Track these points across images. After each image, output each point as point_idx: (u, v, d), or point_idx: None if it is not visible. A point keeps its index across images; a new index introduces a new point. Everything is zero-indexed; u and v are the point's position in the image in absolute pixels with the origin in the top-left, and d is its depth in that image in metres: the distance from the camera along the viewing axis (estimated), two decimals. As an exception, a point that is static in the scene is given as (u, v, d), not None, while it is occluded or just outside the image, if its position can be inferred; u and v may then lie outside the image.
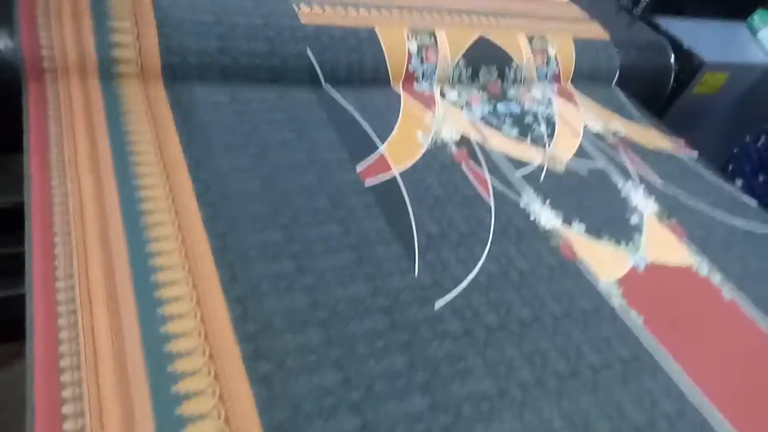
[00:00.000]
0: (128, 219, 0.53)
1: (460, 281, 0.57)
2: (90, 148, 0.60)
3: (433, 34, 0.90)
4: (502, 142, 0.83)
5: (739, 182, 1.24)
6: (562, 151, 0.86)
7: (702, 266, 0.72)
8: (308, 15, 0.83)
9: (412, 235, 0.61)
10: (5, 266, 0.64)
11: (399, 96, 0.85)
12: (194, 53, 0.73)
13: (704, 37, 1.21)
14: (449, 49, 0.91)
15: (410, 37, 0.88)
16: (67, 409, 0.40)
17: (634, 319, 0.60)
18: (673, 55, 1.16)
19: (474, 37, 0.94)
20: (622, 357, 0.55)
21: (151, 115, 0.66)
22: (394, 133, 0.77)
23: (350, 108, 0.79)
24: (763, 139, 1.25)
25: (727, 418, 0.54)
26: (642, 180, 0.84)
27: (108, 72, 0.68)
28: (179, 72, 0.72)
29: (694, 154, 0.96)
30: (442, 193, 0.69)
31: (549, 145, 0.86)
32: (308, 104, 0.77)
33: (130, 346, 0.44)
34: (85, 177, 0.56)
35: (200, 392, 0.43)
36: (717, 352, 0.60)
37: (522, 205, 0.72)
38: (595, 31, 1.11)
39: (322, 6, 0.86)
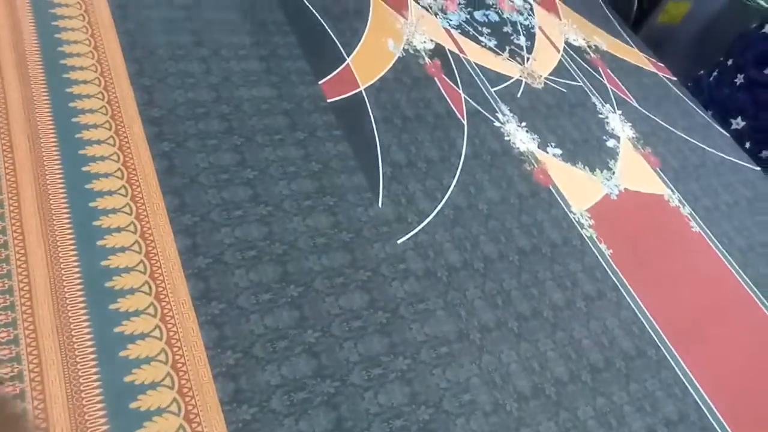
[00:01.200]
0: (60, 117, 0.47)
1: (426, 215, 0.54)
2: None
3: None
4: (479, 54, 0.77)
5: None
6: (541, 66, 0.80)
7: (673, 196, 0.70)
8: None
9: (377, 163, 0.56)
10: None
11: (368, -2, 0.76)
12: None
13: None
14: None
15: None
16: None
17: (603, 253, 0.59)
18: None
19: None
20: (586, 294, 0.54)
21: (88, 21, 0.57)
22: (362, 40, 0.69)
23: (313, 8, 0.70)
24: (715, 73, 1.21)
25: (681, 356, 0.55)
26: (619, 103, 0.80)
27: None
28: None
29: (672, 77, 0.92)
30: (412, 113, 0.63)
31: (528, 59, 0.80)
32: (267, 3, 0.68)
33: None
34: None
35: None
36: (680, 288, 0.60)
37: (497, 124, 0.68)
38: None
39: None
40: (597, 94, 0.80)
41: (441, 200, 0.56)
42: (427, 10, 0.79)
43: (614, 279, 0.57)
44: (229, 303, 0.43)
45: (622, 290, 0.56)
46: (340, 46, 0.68)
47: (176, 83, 0.55)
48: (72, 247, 0.42)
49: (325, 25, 0.69)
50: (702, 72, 1.27)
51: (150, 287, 0.42)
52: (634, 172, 0.72)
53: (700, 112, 0.88)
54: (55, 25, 0.53)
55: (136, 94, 0.52)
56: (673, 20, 1.19)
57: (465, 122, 0.66)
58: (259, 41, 0.63)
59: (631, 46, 0.94)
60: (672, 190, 0.71)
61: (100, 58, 0.53)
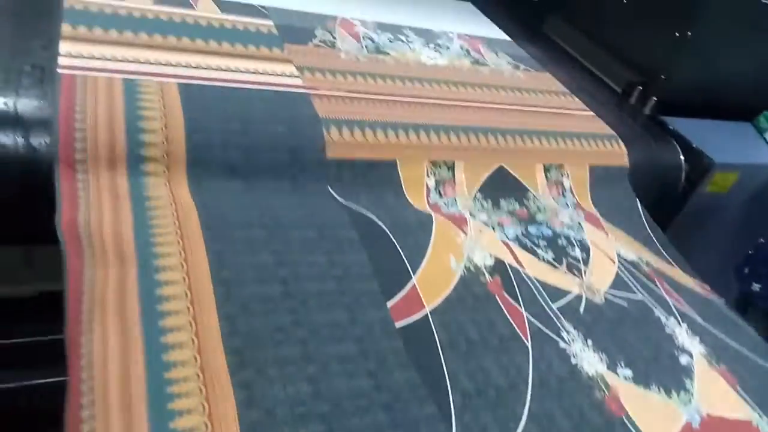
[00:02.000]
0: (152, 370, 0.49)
1: (501, 453, 0.52)
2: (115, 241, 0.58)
3: (451, 167, 0.89)
4: (538, 268, 0.79)
5: (756, 286, 1.19)
6: (600, 279, 0.82)
7: (761, 422, 0.66)
8: (336, 143, 0.81)
9: (447, 392, 0.56)
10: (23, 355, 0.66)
11: (430, 216, 0.82)
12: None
13: (712, 137, 1.22)
14: (466, 183, 0.89)
15: (429, 173, 0.87)
16: None
17: (693, 502, 0.54)
18: (682, 155, 1.16)
19: (493, 167, 0.93)
20: None
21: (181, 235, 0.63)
22: (426, 259, 0.73)
23: (383, 225, 0.76)
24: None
25: None
26: (683, 317, 0.80)
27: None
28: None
29: (721, 300, 0.90)
30: (477, 336, 0.64)
31: (585, 272, 0.82)
32: (340, 222, 0.74)
33: None
34: (111, 323, 0.52)
35: None
36: None
37: (562, 345, 0.68)
38: (616, 154, 1.08)
39: (352, 130, 0.84)
40: (659, 308, 0.80)
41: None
42: (485, 224, 0.84)
43: None
44: None
45: None
46: (407, 262, 0.71)
47: (258, 309, 0.58)
48: None
49: (393, 239, 0.74)
50: (762, 240, 1.26)
51: None
52: (714, 393, 0.68)
53: (757, 335, 0.84)
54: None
55: (233, 383, 0.51)
56: (721, 190, 1.22)
57: (529, 345, 0.66)
58: (334, 261, 0.68)
59: (674, 266, 0.95)
60: (759, 415, 0.67)
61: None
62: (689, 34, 1.20)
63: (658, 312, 0.79)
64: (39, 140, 0.65)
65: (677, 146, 1.17)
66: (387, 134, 0.88)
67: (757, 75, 1.35)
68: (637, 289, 0.82)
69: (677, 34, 1.21)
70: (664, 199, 1.14)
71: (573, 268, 0.82)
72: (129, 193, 0.65)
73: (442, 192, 0.87)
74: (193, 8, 1.02)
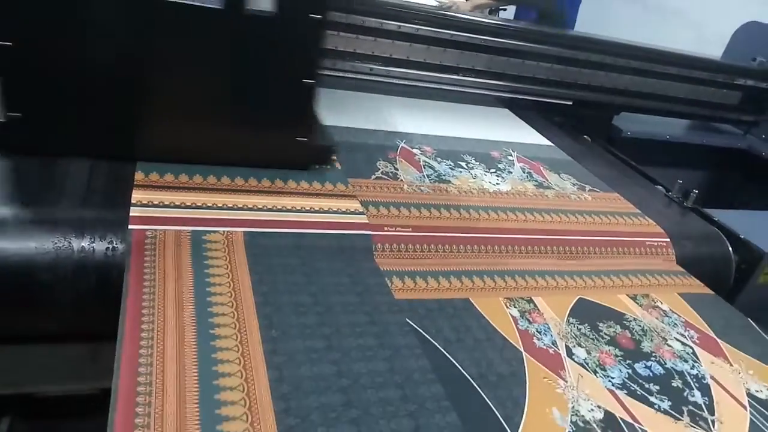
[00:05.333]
0: None
1: None
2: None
3: (530, 301, 0.84)
4: (656, 422, 0.68)
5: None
6: (732, 430, 0.69)
7: None
8: (402, 290, 0.79)
9: None
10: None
11: (521, 355, 0.73)
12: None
13: (758, 228, 1.19)
14: (553, 311, 0.83)
15: (508, 305, 0.82)
16: None
17: None
18: (731, 247, 1.13)
19: (573, 300, 0.87)
20: None
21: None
22: (525, 413, 0.64)
23: (469, 376, 0.67)
24: None
25: None
26: None
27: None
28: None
29: None
30: None
31: (713, 423, 0.70)
32: (421, 373, 0.66)
33: None
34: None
35: None
36: None
37: None
38: (697, 285, 1.01)
39: (414, 279, 0.82)
40: (815, 466, 0.65)
41: None
42: (584, 367, 0.74)
43: None
44: None
45: None
46: (503, 421, 0.62)
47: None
48: None
49: (484, 395, 0.65)
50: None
51: None
52: None
53: None
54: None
55: None
56: (772, 281, 1.12)
57: None
58: (420, 424, 0.59)
59: None
60: None
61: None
62: None
63: (816, 473, 0.65)
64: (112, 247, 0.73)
65: (725, 239, 1.14)
66: (451, 281, 0.84)
67: None
68: (782, 442, 0.68)
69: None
70: (716, 294, 1.06)
71: (698, 419, 0.69)
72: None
73: (530, 319, 0.80)
74: (260, 149, 1.03)
